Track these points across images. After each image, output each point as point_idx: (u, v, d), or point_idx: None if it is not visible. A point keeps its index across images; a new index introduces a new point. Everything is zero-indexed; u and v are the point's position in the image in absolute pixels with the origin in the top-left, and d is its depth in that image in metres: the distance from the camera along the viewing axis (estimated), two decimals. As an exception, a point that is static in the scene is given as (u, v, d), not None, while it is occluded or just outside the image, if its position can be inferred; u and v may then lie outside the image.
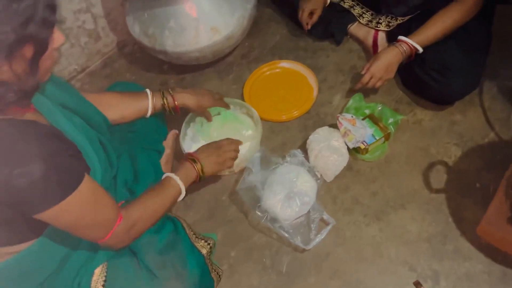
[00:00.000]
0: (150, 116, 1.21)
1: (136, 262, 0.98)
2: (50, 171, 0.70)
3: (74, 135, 0.86)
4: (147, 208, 0.95)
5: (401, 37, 1.31)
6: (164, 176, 1.06)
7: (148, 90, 1.19)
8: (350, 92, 1.51)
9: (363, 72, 1.36)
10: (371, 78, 1.34)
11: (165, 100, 1.19)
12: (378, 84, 1.35)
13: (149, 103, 1.17)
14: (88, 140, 0.89)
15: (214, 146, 1.17)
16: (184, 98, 1.21)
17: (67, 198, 0.74)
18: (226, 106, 1.35)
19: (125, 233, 0.90)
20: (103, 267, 0.96)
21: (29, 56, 0.69)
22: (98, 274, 0.95)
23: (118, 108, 1.13)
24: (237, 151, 1.21)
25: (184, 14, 1.42)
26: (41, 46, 0.70)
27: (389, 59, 1.31)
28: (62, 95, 0.91)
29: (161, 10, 1.43)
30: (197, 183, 1.12)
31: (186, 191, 1.05)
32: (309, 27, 1.55)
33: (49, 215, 0.74)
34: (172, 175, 1.05)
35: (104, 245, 0.89)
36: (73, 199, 0.75)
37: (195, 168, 1.09)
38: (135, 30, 1.51)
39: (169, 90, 1.21)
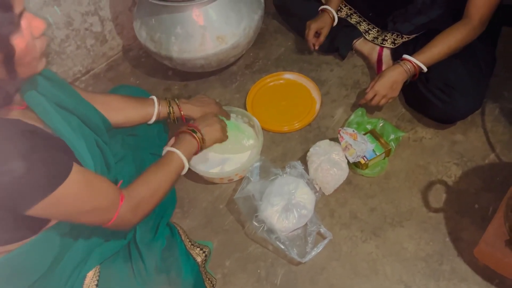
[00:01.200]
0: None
1: (130, 267, 0.97)
2: (33, 166, 0.69)
3: (68, 135, 0.85)
4: (150, 185, 0.95)
5: (405, 56, 1.31)
6: (164, 151, 1.06)
7: (154, 98, 1.20)
8: (353, 107, 1.51)
9: (367, 91, 1.36)
10: (375, 95, 1.34)
11: (171, 109, 1.20)
12: (382, 102, 1.35)
13: (155, 110, 1.18)
14: (84, 141, 0.88)
15: (211, 115, 1.19)
16: (189, 110, 1.23)
17: (56, 190, 0.73)
18: (227, 116, 1.36)
19: (131, 212, 0.89)
20: (95, 270, 0.95)
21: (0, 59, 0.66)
22: (91, 278, 0.94)
23: (123, 112, 1.13)
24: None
25: (191, 21, 1.43)
26: (6, 47, 0.65)
27: (394, 77, 1.31)
28: (60, 95, 0.90)
29: (169, 17, 1.44)
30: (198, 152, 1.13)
31: (188, 168, 1.06)
32: (316, 47, 1.55)
33: (42, 208, 0.73)
34: (173, 149, 1.05)
35: (114, 227, 0.88)
36: (64, 189, 0.74)
37: (196, 139, 1.10)
38: (142, 34, 1.52)
39: (175, 100, 1.22)
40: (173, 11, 1.42)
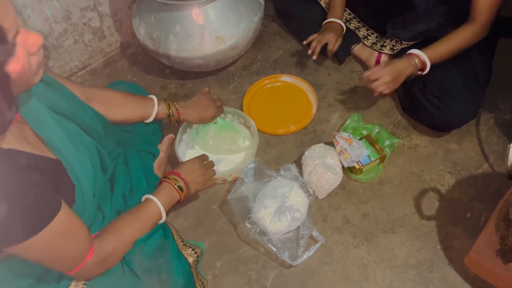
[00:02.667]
0: None
1: (120, 266, 0.96)
2: (15, 211, 0.68)
3: (60, 145, 0.83)
4: (123, 238, 0.92)
5: (413, 50, 1.30)
6: (143, 198, 1.03)
7: (154, 98, 1.19)
8: (349, 112, 1.51)
9: (372, 71, 1.30)
10: (378, 78, 1.29)
11: (170, 112, 1.20)
12: (381, 88, 1.29)
13: (154, 111, 1.17)
14: (78, 149, 0.87)
15: (197, 164, 1.14)
16: (188, 115, 1.24)
17: (33, 237, 0.72)
18: (222, 110, 1.37)
19: (95, 267, 0.87)
20: None
21: None
22: (75, 285, 0.91)
23: (122, 110, 1.12)
24: (214, 171, 1.20)
25: (190, 20, 1.43)
26: (1, 76, 0.61)
27: (401, 68, 1.29)
28: (56, 99, 0.88)
29: (168, 15, 1.43)
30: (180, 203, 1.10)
31: (164, 219, 1.03)
32: (330, 56, 1.52)
33: (14, 251, 0.72)
34: (154, 199, 1.01)
35: (74, 277, 0.86)
36: (40, 237, 0.73)
37: (177, 191, 1.06)
38: (141, 32, 1.51)
39: (174, 103, 1.22)
40: (173, 9, 1.41)
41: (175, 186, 1.06)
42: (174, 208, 1.31)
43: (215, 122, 1.38)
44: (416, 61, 1.29)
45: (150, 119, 1.18)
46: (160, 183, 1.08)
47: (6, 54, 0.60)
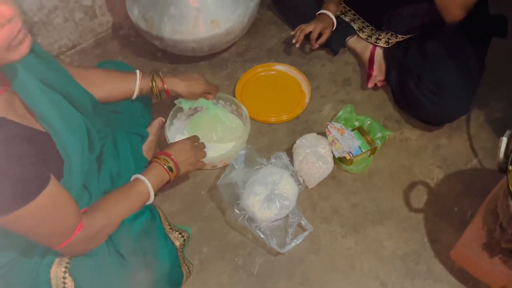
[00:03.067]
0: (137, 99, 1.18)
1: (105, 246, 0.94)
2: (3, 181, 0.66)
3: (50, 118, 0.81)
4: (112, 216, 0.91)
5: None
6: (133, 178, 1.01)
7: (138, 71, 1.15)
8: (342, 103, 1.51)
9: None
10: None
11: (153, 83, 1.15)
12: None
13: (137, 84, 1.13)
14: (67, 125, 0.84)
15: (189, 145, 1.13)
16: (174, 84, 1.18)
17: (21, 208, 0.70)
18: (215, 90, 1.30)
19: (84, 242, 0.86)
20: None
21: None
22: (58, 262, 0.89)
23: (103, 87, 1.08)
24: (205, 152, 1.19)
25: (185, 2, 1.40)
26: None
27: None
28: (46, 71, 0.85)
29: (163, -4, 1.40)
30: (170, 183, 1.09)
31: (153, 199, 1.02)
32: (317, 46, 1.52)
33: (1, 222, 0.70)
34: (143, 178, 1.00)
35: (60, 252, 0.85)
36: (28, 209, 0.71)
37: (167, 171, 1.05)
38: (134, 12, 1.48)
39: (160, 73, 1.17)
40: (168, -10, 1.39)
41: (165, 167, 1.05)
42: (162, 191, 1.30)
43: (206, 108, 1.35)
44: None
45: (135, 94, 1.14)
46: (150, 163, 1.07)
47: None
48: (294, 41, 1.50)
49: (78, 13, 1.62)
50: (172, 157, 1.07)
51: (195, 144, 1.16)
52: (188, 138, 1.16)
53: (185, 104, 1.26)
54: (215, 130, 1.37)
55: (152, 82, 1.15)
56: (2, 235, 0.81)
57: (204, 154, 1.18)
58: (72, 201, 0.82)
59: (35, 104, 0.79)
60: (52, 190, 0.75)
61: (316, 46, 1.52)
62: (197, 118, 1.39)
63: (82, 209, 0.89)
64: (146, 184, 1.00)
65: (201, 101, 1.29)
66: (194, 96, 1.24)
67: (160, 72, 1.18)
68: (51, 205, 0.75)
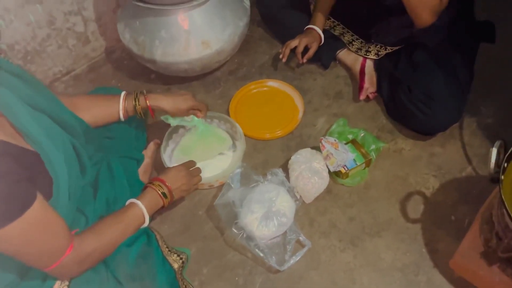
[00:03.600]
0: (130, 121, 1.19)
1: (103, 272, 0.95)
2: None
3: (37, 136, 0.82)
4: (104, 238, 0.91)
5: None
6: (128, 202, 1.02)
7: (123, 92, 1.15)
8: (335, 116, 1.52)
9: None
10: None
11: (136, 102, 1.14)
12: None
13: (120, 105, 1.13)
14: (56, 146, 0.85)
15: (183, 171, 1.13)
16: (158, 100, 1.17)
17: (6, 226, 0.70)
18: (204, 109, 1.28)
19: (74, 264, 0.85)
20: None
21: None
22: (59, 285, 0.90)
23: (89, 111, 1.09)
24: (200, 177, 1.20)
25: (176, 25, 1.42)
26: None
27: None
28: (32, 94, 0.86)
29: (153, 20, 1.43)
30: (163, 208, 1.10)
31: (148, 224, 1.03)
32: (305, 61, 1.53)
33: None
34: (137, 202, 1.01)
35: (50, 274, 0.85)
36: (14, 227, 0.71)
37: (161, 197, 1.06)
38: (126, 36, 1.50)
39: (143, 91, 1.17)
40: (158, 14, 1.41)
41: (159, 193, 1.06)
42: (160, 213, 1.30)
43: (194, 125, 1.32)
44: None
45: (121, 115, 1.14)
46: (145, 188, 1.08)
47: None
48: (280, 56, 1.53)
49: (71, 39, 1.64)
50: (167, 183, 1.08)
51: (191, 169, 1.17)
52: (183, 164, 1.17)
53: (172, 121, 1.25)
54: (210, 147, 1.37)
55: (134, 100, 1.14)
56: None
57: (199, 180, 1.19)
58: (61, 221, 0.82)
59: (22, 124, 0.80)
60: (39, 208, 0.75)
61: (304, 61, 1.53)
62: (187, 139, 1.39)
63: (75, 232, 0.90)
64: (140, 208, 1.01)
65: (189, 119, 1.27)
66: (180, 112, 1.22)
67: (144, 90, 1.17)
68: (37, 224, 0.75)
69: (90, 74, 1.72)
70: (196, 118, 1.28)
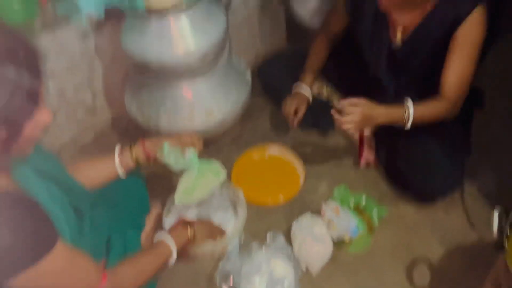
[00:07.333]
0: (132, 183, 1.24)
1: None
2: (18, 238, 0.70)
3: (48, 204, 0.83)
4: (136, 267, 0.96)
5: (408, 103, 1.24)
6: (156, 238, 1.09)
7: (117, 146, 1.13)
8: (336, 182, 1.53)
9: (346, 105, 1.24)
10: (350, 114, 1.21)
11: (132, 152, 1.11)
12: (347, 125, 1.22)
13: (116, 160, 1.10)
14: (63, 211, 0.87)
15: (208, 223, 1.27)
16: (154, 142, 1.14)
17: (39, 262, 0.73)
18: (200, 142, 1.27)
19: None
20: None
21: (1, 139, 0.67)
22: None
23: (85, 174, 1.06)
24: (223, 231, 1.28)
25: (180, 96, 1.48)
26: (15, 130, 0.69)
27: (375, 114, 1.22)
28: (43, 163, 0.89)
29: (158, 91, 1.49)
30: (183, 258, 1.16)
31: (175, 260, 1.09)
32: (296, 125, 1.56)
33: (22, 281, 0.72)
34: (167, 237, 1.07)
35: None
36: (46, 263, 0.74)
37: (187, 231, 1.13)
38: (132, 108, 1.56)
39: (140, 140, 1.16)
40: (163, 86, 1.48)
41: (184, 225, 1.16)
42: (160, 285, 1.27)
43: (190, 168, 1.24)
44: (401, 113, 1.23)
45: (119, 171, 1.11)
46: (172, 228, 1.17)
47: (30, 114, 0.69)
48: (291, 126, 1.57)
49: (80, 110, 1.70)
50: (189, 220, 1.20)
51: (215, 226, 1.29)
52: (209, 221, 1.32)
53: (167, 156, 1.14)
54: (205, 183, 1.27)
55: (131, 151, 1.12)
56: None
57: (222, 232, 1.28)
58: (87, 256, 0.85)
59: (32, 188, 0.83)
60: (65, 245, 0.79)
61: (295, 126, 1.56)
62: (185, 180, 1.25)
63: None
64: (165, 238, 1.08)
65: (185, 156, 1.20)
66: (178, 139, 1.18)
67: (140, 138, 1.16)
68: (66, 259, 0.79)
69: (96, 143, 1.76)
70: (192, 155, 1.22)
